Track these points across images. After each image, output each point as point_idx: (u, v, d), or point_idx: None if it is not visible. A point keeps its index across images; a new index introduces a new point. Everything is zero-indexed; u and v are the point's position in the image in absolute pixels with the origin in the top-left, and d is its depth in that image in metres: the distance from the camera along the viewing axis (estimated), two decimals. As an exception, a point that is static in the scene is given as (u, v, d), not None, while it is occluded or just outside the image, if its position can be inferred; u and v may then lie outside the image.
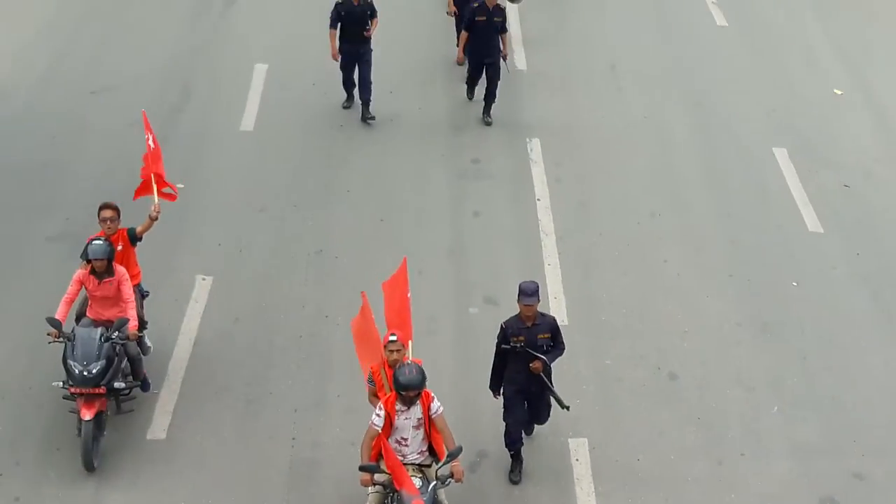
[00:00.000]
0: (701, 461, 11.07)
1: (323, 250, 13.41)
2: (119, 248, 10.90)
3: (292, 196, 14.30)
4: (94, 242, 10.58)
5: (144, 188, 11.58)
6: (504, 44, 15.56)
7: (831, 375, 12.15)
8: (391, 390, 9.48)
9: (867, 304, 13.16)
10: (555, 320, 10.38)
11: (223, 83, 16.60)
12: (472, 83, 16.07)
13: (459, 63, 16.65)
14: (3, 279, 12.75)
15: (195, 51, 17.41)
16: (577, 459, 10.96)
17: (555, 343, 10.31)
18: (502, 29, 15.46)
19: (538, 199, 14.45)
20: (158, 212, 11.21)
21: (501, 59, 15.60)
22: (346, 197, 14.38)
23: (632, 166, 15.26)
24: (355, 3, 14.99)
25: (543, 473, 10.79)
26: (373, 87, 15.50)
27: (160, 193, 11.41)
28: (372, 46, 15.31)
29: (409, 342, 10.13)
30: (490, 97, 15.76)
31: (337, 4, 15.05)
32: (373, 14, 15.19)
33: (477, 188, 14.68)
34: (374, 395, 9.92)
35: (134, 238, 11.13)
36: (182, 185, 14.21)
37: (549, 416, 10.75)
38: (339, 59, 15.28)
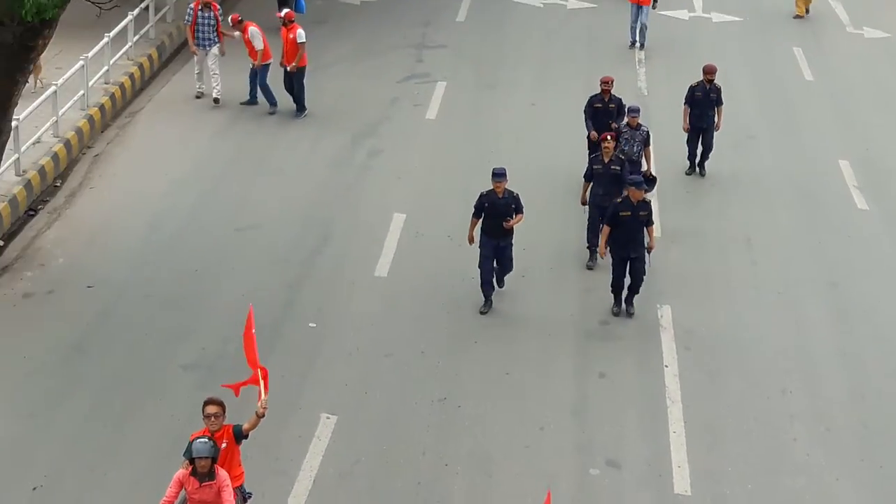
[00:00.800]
0: None
1: (447, 398, 13.46)
2: (223, 445, 10.31)
3: (420, 343, 14.46)
4: (198, 441, 10.01)
5: (251, 381, 10.84)
6: (651, 236, 15.16)
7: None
8: None
9: None
10: None
11: (362, 229, 17.05)
12: (617, 287, 15.19)
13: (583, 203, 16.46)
14: (136, 401, 13.07)
15: (337, 196, 17.96)
16: None
17: None
18: (648, 222, 15.05)
19: (666, 366, 14.33)
20: (265, 408, 10.54)
21: (647, 253, 15.18)
22: (473, 347, 14.47)
23: (763, 341, 15.04)
24: (499, 196, 14.90)
25: None
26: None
27: (265, 388, 10.66)
28: (514, 241, 15.13)
29: None
30: (634, 291, 15.27)
31: (482, 195, 15.03)
32: (518, 209, 14.97)
33: (604, 349, 14.63)
34: None
35: (240, 436, 10.53)
36: (314, 325, 14.61)
37: None
38: (481, 255, 15.02)
